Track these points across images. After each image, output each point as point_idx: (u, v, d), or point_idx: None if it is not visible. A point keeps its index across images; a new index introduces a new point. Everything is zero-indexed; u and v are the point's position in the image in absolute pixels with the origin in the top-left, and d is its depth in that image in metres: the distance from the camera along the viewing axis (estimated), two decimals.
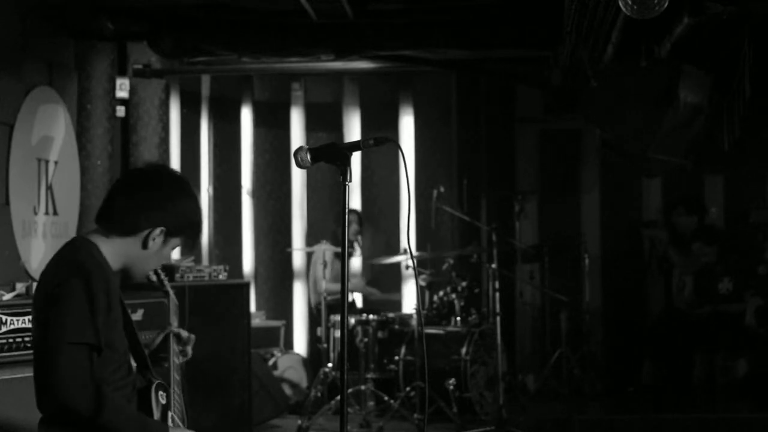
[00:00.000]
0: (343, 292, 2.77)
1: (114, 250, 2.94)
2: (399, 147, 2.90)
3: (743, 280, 7.69)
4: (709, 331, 7.62)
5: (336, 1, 6.20)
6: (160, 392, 3.02)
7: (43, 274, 2.90)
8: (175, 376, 3.13)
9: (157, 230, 2.93)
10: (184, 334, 3.25)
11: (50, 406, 2.76)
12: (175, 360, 3.18)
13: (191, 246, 3.13)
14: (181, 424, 3.06)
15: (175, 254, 7.81)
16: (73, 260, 2.85)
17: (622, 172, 8.23)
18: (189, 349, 3.26)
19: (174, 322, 3.30)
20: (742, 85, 5.65)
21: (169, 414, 3.01)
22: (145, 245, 2.95)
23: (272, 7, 6.63)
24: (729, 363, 7.70)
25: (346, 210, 2.73)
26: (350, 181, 2.77)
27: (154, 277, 3.34)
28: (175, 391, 3.09)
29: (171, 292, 3.36)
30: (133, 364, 3.08)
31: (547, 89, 7.54)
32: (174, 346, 3.20)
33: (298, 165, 2.81)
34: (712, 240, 7.94)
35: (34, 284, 4.91)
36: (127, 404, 2.85)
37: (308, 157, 2.80)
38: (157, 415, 2.95)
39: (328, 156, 2.83)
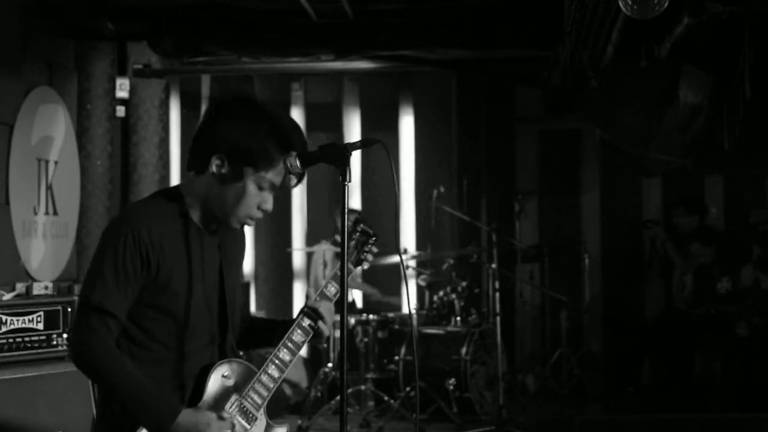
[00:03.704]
0: (343, 292, 2.77)
1: (195, 193, 2.78)
2: (386, 148, 2.87)
3: (741, 280, 7.70)
4: (709, 331, 7.63)
5: (336, 1, 6.19)
6: (225, 372, 2.76)
7: None
8: (283, 357, 2.84)
9: (215, 158, 2.71)
10: (323, 308, 2.90)
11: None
12: (289, 342, 2.85)
13: (296, 177, 2.77)
14: (254, 412, 2.77)
15: None
16: (122, 214, 2.88)
17: (622, 172, 8.23)
18: (322, 326, 2.90)
19: (331, 288, 2.95)
20: (742, 85, 5.64)
21: (233, 397, 2.74)
22: (217, 178, 2.73)
23: (272, 7, 6.63)
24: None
25: (346, 210, 2.72)
26: (350, 181, 2.76)
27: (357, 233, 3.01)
28: (268, 374, 2.81)
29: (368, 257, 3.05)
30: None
31: (547, 89, 7.54)
32: (298, 328, 2.88)
33: (288, 171, 2.72)
34: (710, 240, 7.95)
35: (35, 284, 4.94)
36: (132, 368, 2.63)
37: (297, 162, 2.75)
38: (208, 395, 2.70)
39: (319, 159, 2.81)
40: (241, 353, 2.96)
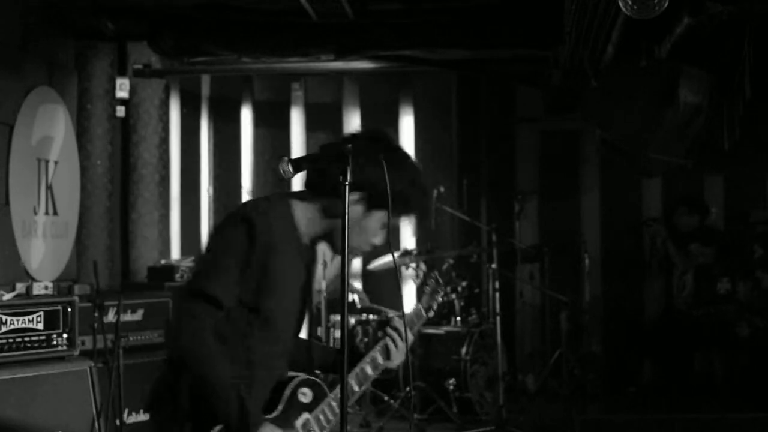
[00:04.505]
0: (343, 292, 2.77)
1: (312, 213, 2.78)
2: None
3: (742, 280, 7.70)
4: (709, 331, 7.63)
5: (336, 1, 6.20)
6: (303, 388, 2.78)
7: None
8: (352, 384, 2.87)
9: (355, 195, 2.72)
10: (389, 359, 2.96)
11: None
12: (361, 371, 2.91)
13: (420, 225, 2.86)
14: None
15: (175, 254, 7.82)
16: (241, 212, 2.73)
17: (622, 172, 8.22)
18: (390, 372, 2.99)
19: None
20: (742, 85, 5.65)
21: (304, 416, 2.76)
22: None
23: (272, 7, 6.63)
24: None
25: (346, 210, 2.72)
26: (350, 181, 2.76)
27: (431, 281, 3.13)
28: (337, 399, 2.80)
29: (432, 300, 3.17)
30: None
31: (547, 89, 7.54)
32: (370, 361, 2.92)
33: (281, 177, 2.71)
34: (709, 240, 7.95)
35: (35, 284, 4.94)
36: (224, 364, 2.62)
37: (290, 168, 2.75)
38: (282, 408, 2.73)
39: (316, 161, 2.80)
40: (318, 372, 2.99)
